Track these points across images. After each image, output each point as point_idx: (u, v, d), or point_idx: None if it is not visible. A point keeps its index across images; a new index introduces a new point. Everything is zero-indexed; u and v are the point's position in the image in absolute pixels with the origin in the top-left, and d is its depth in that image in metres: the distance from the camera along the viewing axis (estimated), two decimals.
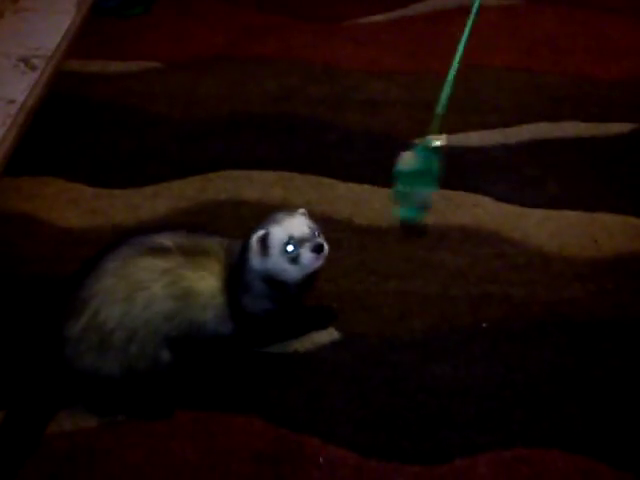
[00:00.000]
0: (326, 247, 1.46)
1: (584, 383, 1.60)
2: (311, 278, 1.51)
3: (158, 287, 1.43)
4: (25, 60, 2.37)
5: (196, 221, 1.92)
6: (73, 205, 1.97)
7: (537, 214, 1.97)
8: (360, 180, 2.06)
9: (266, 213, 1.93)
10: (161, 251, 1.45)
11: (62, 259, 1.84)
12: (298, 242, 1.44)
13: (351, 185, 2.05)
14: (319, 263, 1.46)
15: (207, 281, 1.48)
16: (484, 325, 1.70)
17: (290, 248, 1.43)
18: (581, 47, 2.51)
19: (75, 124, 2.24)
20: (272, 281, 1.48)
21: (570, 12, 2.69)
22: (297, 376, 1.60)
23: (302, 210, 1.52)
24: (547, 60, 2.47)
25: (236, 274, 1.48)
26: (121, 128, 2.23)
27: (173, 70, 2.45)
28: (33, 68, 2.35)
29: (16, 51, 2.41)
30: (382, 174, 2.08)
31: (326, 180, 2.06)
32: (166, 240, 1.46)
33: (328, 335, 1.68)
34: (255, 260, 1.46)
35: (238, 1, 2.75)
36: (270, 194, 2.01)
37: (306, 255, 1.44)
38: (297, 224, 1.46)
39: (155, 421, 1.51)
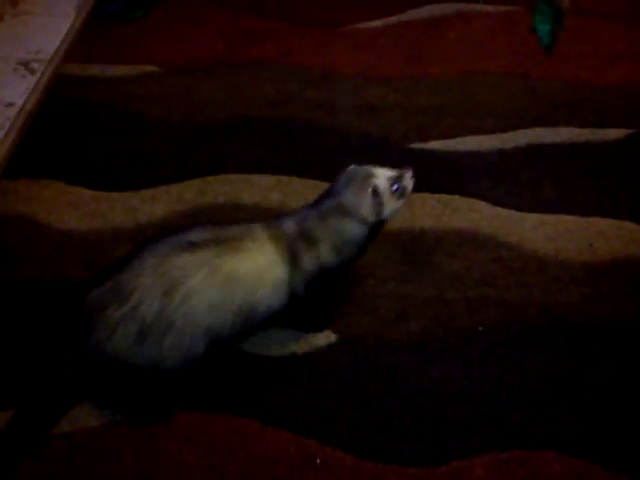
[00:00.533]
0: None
1: (580, 386, 1.61)
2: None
3: (195, 281, 1.47)
4: (24, 63, 2.38)
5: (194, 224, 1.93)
6: (72, 208, 1.98)
7: (533, 218, 1.99)
8: None
9: (264, 216, 1.96)
10: (191, 247, 1.50)
11: (61, 261, 1.84)
12: (396, 180, 1.60)
13: None
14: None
15: (250, 262, 1.52)
16: (480, 328, 1.72)
17: (395, 187, 1.59)
18: (577, 53, 2.53)
19: (74, 127, 2.24)
20: (376, 225, 1.60)
21: (566, 18, 2.71)
22: (295, 378, 1.61)
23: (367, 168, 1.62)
24: (543, 66, 2.49)
25: (320, 237, 1.57)
26: (120, 132, 2.23)
27: (172, 74, 2.45)
28: (32, 71, 2.35)
29: (16, 54, 2.41)
30: None
31: (324, 184, 2.03)
32: (195, 236, 1.52)
33: (325, 338, 1.69)
34: (368, 212, 1.58)
35: (237, 6, 2.76)
36: (268, 198, 2.02)
37: (409, 184, 1.62)
38: (380, 171, 1.61)
39: (157, 424, 1.52)
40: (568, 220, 1.98)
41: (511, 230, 1.95)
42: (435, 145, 2.20)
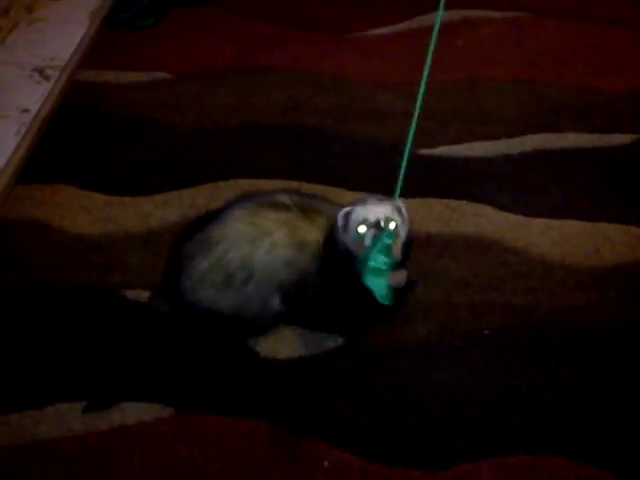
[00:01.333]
0: (398, 239, 1.54)
1: (586, 391, 1.62)
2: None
3: (280, 235, 1.60)
4: (39, 70, 2.42)
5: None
6: (85, 212, 2.01)
7: (539, 223, 2.00)
8: (366, 189, 2.08)
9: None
10: (281, 206, 1.63)
11: (74, 265, 1.87)
12: (370, 226, 1.54)
13: (357, 194, 2.07)
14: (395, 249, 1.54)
15: (316, 235, 1.62)
16: (486, 332, 1.73)
17: (361, 229, 1.55)
18: (584, 59, 2.54)
19: (88, 133, 2.28)
20: (348, 253, 1.59)
21: (573, 24, 2.72)
22: (303, 381, 1.63)
23: (398, 201, 1.62)
24: (550, 71, 2.50)
25: (329, 238, 1.63)
26: (132, 137, 2.27)
27: (183, 81, 2.49)
28: (47, 78, 2.39)
29: (30, 61, 2.45)
30: (388, 183, 2.11)
31: (333, 189, 2.09)
32: (285, 198, 1.64)
33: (333, 341, 1.71)
34: (338, 232, 1.60)
35: (247, 13, 2.79)
36: None
37: (368, 239, 1.53)
38: (379, 210, 1.56)
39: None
40: (574, 225, 1.99)
41: (517, 235, 1.96)
42: (442, 151, 2.22)
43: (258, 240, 1.59)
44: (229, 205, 1.68)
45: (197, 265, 1.60)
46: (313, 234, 1.63)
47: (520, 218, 2.01)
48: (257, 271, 1.59)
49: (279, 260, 1.60)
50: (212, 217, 1.66)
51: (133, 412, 1.56)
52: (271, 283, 1.61)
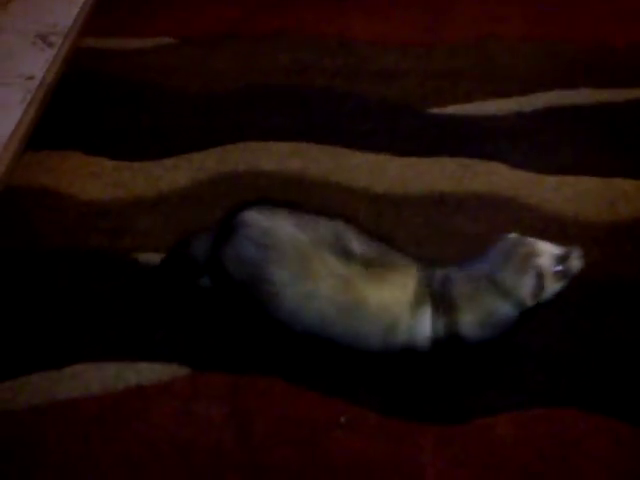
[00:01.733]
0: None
1: (603, 344, 1.61)
2: None
3: (326, 286, 1.43)
4: (43, 37, 2.40)
5: (216, 191, 1.95)
6: (94, 178, 2.00)
7: (553, 180, 1.97)
8: (376, 149, 2.07)
9: (285, 183, 1.97)
10: (347, 254, 1.44)
11: (84, 231, 1.87)
12: (562, 259, 1.42)
13: (367, 154, 2.06)
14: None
15: (384, 294, 1.44)
16: None
17: (560, 268, 1.41)
18: (596, 13, 2.49)
19: (94, 99, 2.26)
20: (531, 308, 1.43)
21: None
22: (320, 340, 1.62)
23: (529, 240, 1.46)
24: (563, 26, 2.45)
25: (463, 306, 1.44)
26: (139, 102, 2.25)
27: (188, 45, 2.46)
28: (51, 45, 2.37)
29: (34, 28, 2.43)
30: (398, 143, 2.09)
31: (343, 150, 2.07)
32: (356, 244, 1.45)
33: None
34: (527, 295, 1.41)
35: None
36: (288, 164, 2.03)
37: (575, 265, 1.42)
38: (544, 248, 1.43)
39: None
40: (589, 181, 1.97)
41: (531, 192, 1.94)
42: (453, 109, 2.19)
43: (303, 279, 1.43)
44: (291, 218, 1.48)
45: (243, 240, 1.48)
46: (380, 293, 1.43)
47: (533, 175, 1.99)
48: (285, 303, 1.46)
49: (312, 311, 1.45)
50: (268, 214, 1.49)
51: (149, 372, 1.56)
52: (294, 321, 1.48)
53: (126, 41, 2.46)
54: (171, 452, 1.45)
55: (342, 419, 1.50)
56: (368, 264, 1.44)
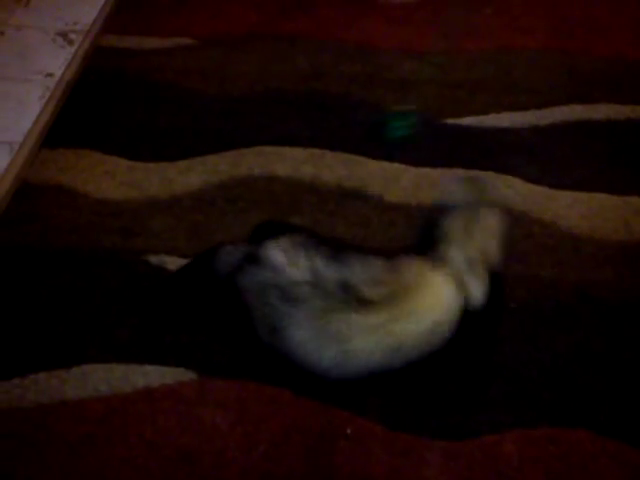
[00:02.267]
0: None
1: (613, 366, 1.60)
2: None
3: (360, 341, 1.43)
4: (63, 34, 2.40)
5: (229, 195, 1.95)
6: (109, 177, 2.01)
7: (568, 196, 1.96)
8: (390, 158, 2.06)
9: (298, 189, 1.97)
10: (366, 304, 1.42)
11: (97, 230, 1.88)
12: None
13: (382, 163, 2.06)
14: None
15: (419, 325, 1.45)
16: (513, 305, 1.71)
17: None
18: (616, 28, 2.47)
19: (111, 98, 2.27)
20: None
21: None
22: None
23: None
24: (582, 40, 2.44)
25: None
26: (156, 103, 2.25)
27: (207, 47, 2.46)
28: (70, 42, 2.38)
29: (54, 25, 2.44)
30: (412, 152, 2.09)
31: (357, 157, 2.07)
32: (369, 289, 1.42)
33: None
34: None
35: None
36: (301, 170, 2.03)
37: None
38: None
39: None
40: (604, 198, 1.96)
41: (545, 207, 1.93)
42: (470, 121, 2.18)
43: (327, 343, 1.41)
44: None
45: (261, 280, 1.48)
46: (414, 326, 1.43)
47: (548, 190, 1.98)
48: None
49: (357, 362, 1.44)
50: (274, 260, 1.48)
51: (157, 376, 1.56)
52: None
53: (145, 40, 2.47)
54: (176, 457, 1.45)
55: (348, 431, 1.50)
56: (391, 299, 1.43)
